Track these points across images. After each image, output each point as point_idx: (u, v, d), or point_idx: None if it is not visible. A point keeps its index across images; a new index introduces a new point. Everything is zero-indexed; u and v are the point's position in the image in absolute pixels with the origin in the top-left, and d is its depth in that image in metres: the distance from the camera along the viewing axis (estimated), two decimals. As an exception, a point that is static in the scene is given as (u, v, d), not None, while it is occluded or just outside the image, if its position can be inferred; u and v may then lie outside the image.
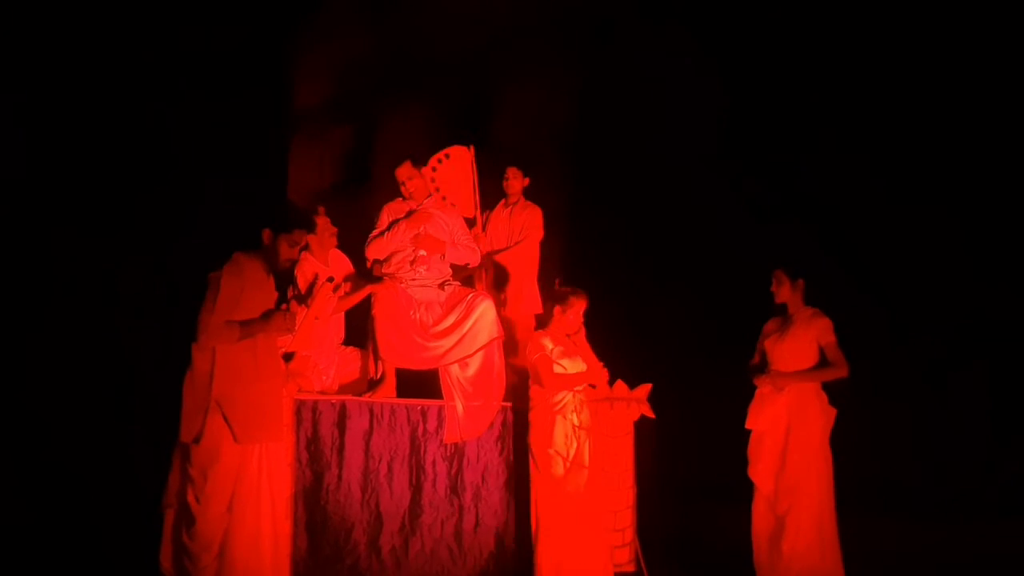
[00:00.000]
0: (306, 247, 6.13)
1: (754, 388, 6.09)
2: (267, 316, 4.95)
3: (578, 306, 5.85)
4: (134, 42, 7.16)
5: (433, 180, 6.82)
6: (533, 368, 5.79)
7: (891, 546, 6.76)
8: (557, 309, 5.86)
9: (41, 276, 6.78)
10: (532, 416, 5.78)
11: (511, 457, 6.18)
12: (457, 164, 6.90)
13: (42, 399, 6.59)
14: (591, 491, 5.74)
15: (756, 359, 6.24)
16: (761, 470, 5.94)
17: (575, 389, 5.76)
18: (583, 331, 5.94)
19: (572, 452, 5.68)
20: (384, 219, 6.57)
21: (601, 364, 5.89)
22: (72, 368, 6.63)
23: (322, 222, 6.29)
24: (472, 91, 8.26)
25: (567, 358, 5.78)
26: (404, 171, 6.48)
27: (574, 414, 5.74)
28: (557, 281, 6.18)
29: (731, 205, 8.21)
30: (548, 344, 5.78)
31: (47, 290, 6.77)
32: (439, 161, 6.88)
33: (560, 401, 5.73)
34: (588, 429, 5.76)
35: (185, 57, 7.22)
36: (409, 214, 6.51)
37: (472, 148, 6.91)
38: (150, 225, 6.87)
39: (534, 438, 5.74)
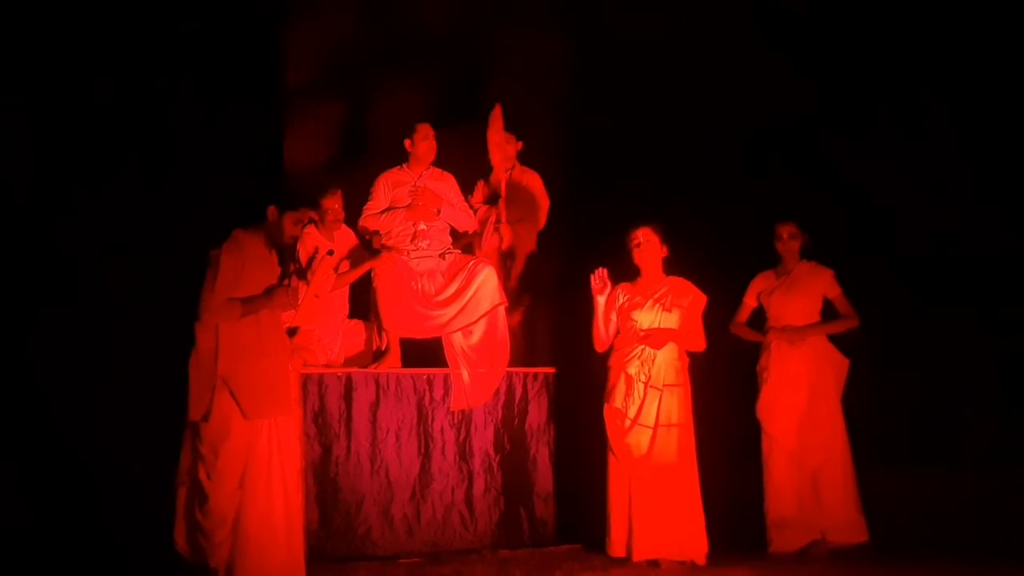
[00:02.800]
0: (311, 222, 6.12)
1: (740, 343, 6.08)
2: (269, 292, 4.96)
3: (638, 237, 5.69)
4: (125, 23, 7.12)
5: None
6: None
7: (904, 495, 6.74)
8: (631, 251, 5.74)
9: (40, 260, 6.79)
10: (609, 363, 5.72)
11: (520, 420, 6.22)
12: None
13: (50, 385, 6.61)
14: (667, 453, 5.46)
15: (743, 316, 6.22)
16: (781, 425, 5.91)
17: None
18: (690, 288, 5.66)
19: (634, 410, 5.52)
20: (379, 189, 6.54)
21: (695, 330, 5.62)
22: (78, 353, 6.64)
23: (330, 206, 6.21)
24: (468, 58, 8.20)
25: (638, 309, 5.60)
26: (423, 130, 6.50)
27: (640, 369, 5.55)
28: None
29: (731, 189, 8.10)
30: (617, 297, 5.68)
31: (47, 275, 6.78)
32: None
33: (629, 353, 5.59)
34: (662, 388, 5.51)
35: (177, 35, 7.19)
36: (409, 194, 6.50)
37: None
38: (148, 207, 6.86)
39: (608, 393, 5.65)
